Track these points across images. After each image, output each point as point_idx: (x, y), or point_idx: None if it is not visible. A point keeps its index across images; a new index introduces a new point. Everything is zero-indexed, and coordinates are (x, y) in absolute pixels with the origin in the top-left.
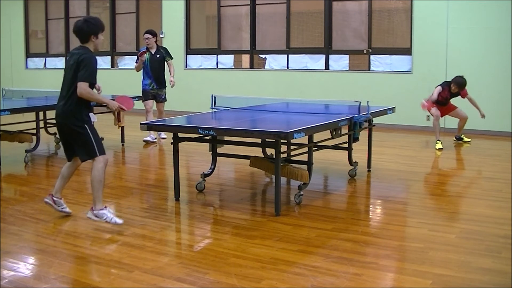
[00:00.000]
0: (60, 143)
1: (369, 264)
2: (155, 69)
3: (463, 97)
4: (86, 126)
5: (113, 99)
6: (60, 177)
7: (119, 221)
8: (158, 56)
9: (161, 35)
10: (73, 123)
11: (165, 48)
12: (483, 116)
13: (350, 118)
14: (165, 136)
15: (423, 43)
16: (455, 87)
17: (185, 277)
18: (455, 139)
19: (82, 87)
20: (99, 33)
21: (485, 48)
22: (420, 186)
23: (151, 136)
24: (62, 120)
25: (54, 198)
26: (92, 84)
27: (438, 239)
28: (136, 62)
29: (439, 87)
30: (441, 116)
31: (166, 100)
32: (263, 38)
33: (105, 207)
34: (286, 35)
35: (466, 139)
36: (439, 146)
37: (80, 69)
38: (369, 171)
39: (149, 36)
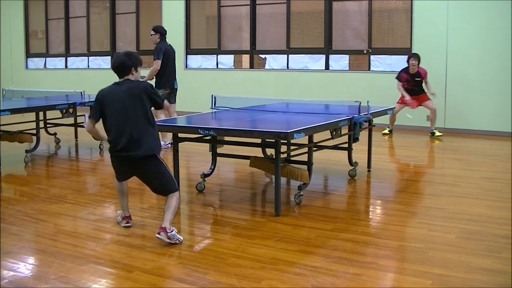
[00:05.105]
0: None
1: (369, 264)
2: None
3: (425, 79)
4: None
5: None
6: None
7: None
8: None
9: None
10: None
11: (160, 45)
12: (432, 94)
13: (350, 118)
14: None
15: (423, 43)
16: (413, 60)
17: (185, 277)
18: (430, 134)
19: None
20: (138, 67)
21: (485, 48)
22: (420, 186)
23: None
24: None
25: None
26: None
27: (438, 239)
28: None
29: (397, 81)
30: (416, 106)
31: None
32: (263, 38)
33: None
34: (286, 35)
35: (437, 134)
36: (385, 131)
37: None
38: (369, 171)
39: (151, 32)
